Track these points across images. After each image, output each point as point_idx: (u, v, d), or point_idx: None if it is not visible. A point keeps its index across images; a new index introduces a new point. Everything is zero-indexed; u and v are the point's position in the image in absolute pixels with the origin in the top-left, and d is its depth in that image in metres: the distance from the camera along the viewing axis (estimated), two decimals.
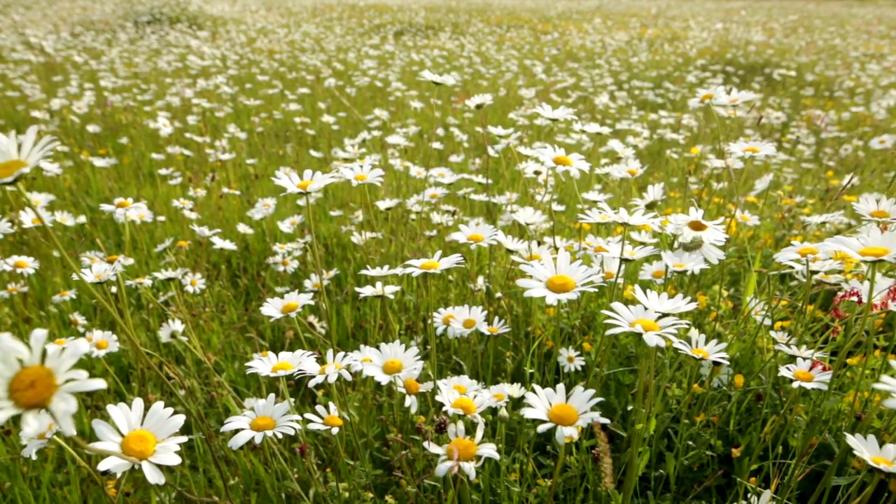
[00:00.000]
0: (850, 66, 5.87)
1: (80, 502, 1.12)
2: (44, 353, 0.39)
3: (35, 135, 0.49)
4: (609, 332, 0.62)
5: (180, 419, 0.54)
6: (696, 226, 0.79)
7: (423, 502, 0.88)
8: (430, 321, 0.92)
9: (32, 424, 0.36)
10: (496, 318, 1.01)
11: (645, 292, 0.69)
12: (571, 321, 1.21)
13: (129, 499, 1.06)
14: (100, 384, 0.37)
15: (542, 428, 0.59)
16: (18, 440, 1.12)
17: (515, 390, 0.86)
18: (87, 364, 1.51)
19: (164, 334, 1.12)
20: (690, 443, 0.96)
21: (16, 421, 0.37)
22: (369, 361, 0.80)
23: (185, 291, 1.41)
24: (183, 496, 0.84)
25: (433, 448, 0.64)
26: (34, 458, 0.66)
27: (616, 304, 0.65)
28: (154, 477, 0.50)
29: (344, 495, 0.86)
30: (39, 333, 0.39)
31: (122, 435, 0.53)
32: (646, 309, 0.65)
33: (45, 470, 1.12)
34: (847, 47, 7.15)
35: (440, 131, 2.91)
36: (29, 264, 1.25)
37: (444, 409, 0.72)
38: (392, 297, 1.16)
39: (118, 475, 0.74)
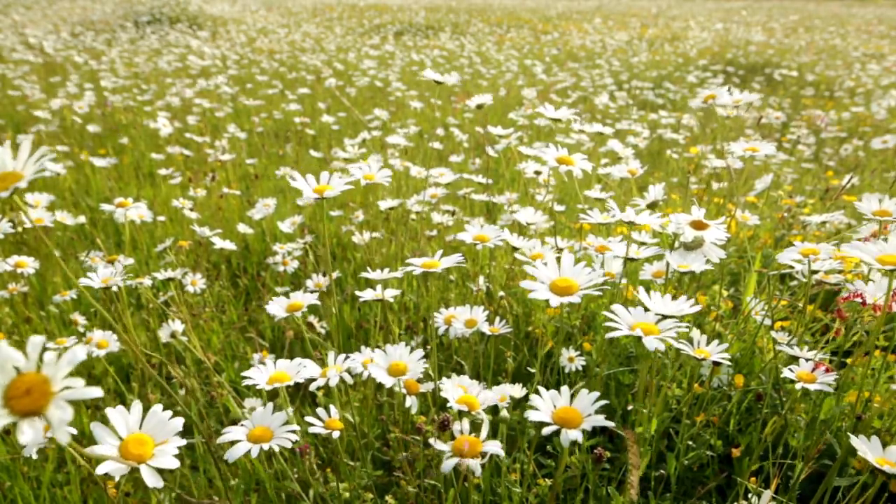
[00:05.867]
0: (850, 66, 5.87)
1: (80, 502, 1.12)
2: (40, 360, 0.38)
3: (31, 144, 0.48)
4: (609, 335, 0.62)
5: (179, 422, 0.54)
6: (698, 225, 0.79)
7: (424, 502, 0.88)
8: (430, 321, 0.92)
9: (28, 433, 0.36)
10: (497, 318, 1.01)
11: (649, 293, 0.68)
12: (572, 321, 1.21)
13: (129, 499, 1.06)
14: (96, 392, 0.36)
15: (546, 431, 0.59)
16: (18, 440, 1.12)
17: (518, 391, 0.86)
18: (87, 363, 1.51)
19: (164, 334, 1.13)
20: (691, 443, 0.96)
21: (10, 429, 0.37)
22: (372, 363, 0.80)
23: (185, 291, 1.41)
24: (183, 497, 0.84)
25: (439, 445, 0.64)
26: (34, 457, 0.65)
27: (616, 307, 0.64)
28: (152, 480, 0.50)
29: (344, 495, 0.86)
30: (37, 340, 0.38)
31: (121, 438, 0.52)
32: (646, 311, 0.65)
33: (45, 470, 1.12)
34: (847, 47, 7.15)
35: (440, 131, 2.91)
36: (29, 264, 1.25)
37: (448, 405, 0.72)
38: (392, 300, 1.15)
39: (118, 476, 0.73)
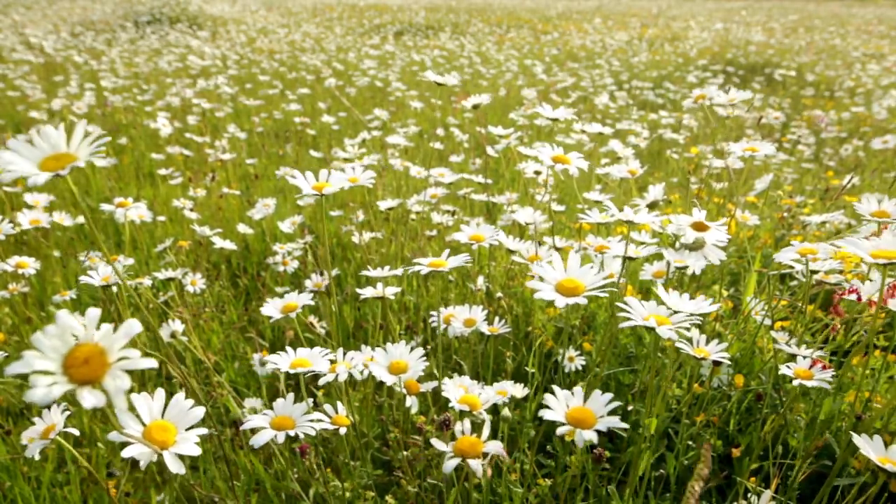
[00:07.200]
0: (850, 66, 5.87)
1: (80, 502, 1.12)
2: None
3: (84, 129, 0.50)
4: (622, 325, 0.62)
5: (200, 411, 0.55)
6: (699, 226, 0.79)
7: (424, 502, 0.88)
8: (430, 321, 0.92)
9: (88, 399, 0.37)
10: (496, 318, 1.01)
11: (667, 291, 0.69)
12: (571, 321, 1.21)
13: (129, 499, 1.06)
14: (151, 363, 0.38)
15: (560, 430, 0.59)
16: (18, 440, 1.12)
17: (518, 390, 0.86)
18: None
19: (164, 334, 1.12)
20: (690, 443, 0.96)
21: (36, 408, 0.37)
22: (373, 361, 0.80)
23: (185, 291, 1.41)
24: (183, 496, 0.84)
25: (440, 445, 0.64)
26: (37, 457, 0.66)
27: (629, 299, 0.65)
28: (175, 466, 0.51)
29: (346, 495, 0.86)
30: (94, 313, 0.40)
31: (144, 424, 0.53)
32: (659, 304, 0.66)
33: (45, 470, 1.12)
34: (847, 47, 7.15)
35: (440, 131, 2.91)
36: (30, 265, 1.25)
37: (450, 405, 0.72)
38: (392, 297, 1.15)
39: (119, 476, 0.74)
